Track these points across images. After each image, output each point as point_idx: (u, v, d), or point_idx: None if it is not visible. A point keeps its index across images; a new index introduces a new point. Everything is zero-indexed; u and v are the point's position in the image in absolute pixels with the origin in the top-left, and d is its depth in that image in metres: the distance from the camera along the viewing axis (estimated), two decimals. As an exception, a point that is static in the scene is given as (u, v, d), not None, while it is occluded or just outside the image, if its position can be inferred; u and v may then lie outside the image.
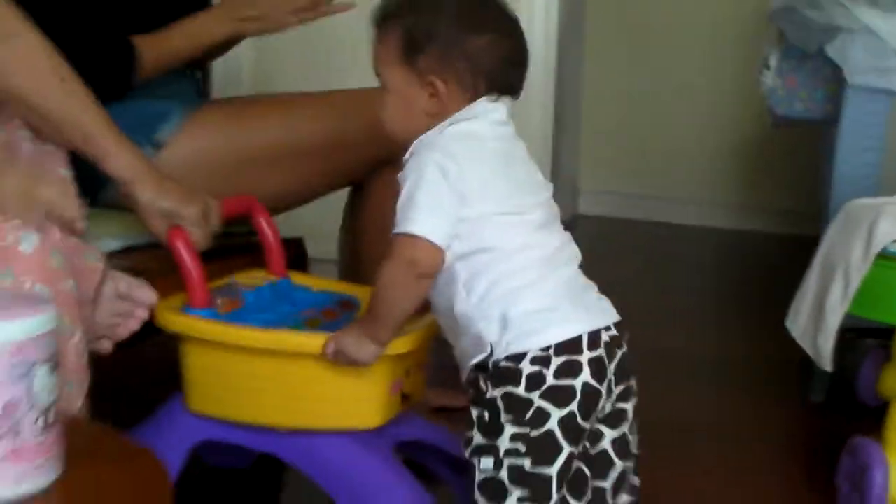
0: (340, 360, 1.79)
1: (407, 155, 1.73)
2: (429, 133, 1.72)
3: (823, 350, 2.47)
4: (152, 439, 1.82)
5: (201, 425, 1.96)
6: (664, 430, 2.56)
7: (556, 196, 2.00)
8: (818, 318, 2.49)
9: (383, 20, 1.77)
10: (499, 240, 1.70)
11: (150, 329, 1.91)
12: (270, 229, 2.12)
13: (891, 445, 2.27)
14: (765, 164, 5.06)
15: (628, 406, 1.78)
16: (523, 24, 1.86)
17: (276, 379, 1.87)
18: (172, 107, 2.32)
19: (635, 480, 1.85)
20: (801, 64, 3.15)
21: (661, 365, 3.10)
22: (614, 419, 1.77)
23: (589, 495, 1.75)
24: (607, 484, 1.79)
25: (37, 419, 1.14)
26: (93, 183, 1.92)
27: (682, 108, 5.53)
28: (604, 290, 1.85)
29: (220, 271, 2.03)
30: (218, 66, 2.99)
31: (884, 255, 2.36)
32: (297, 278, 2.14)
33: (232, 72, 3.14)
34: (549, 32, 4.34)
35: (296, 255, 2.36)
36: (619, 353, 1.74)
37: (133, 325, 1.72)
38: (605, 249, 4.87)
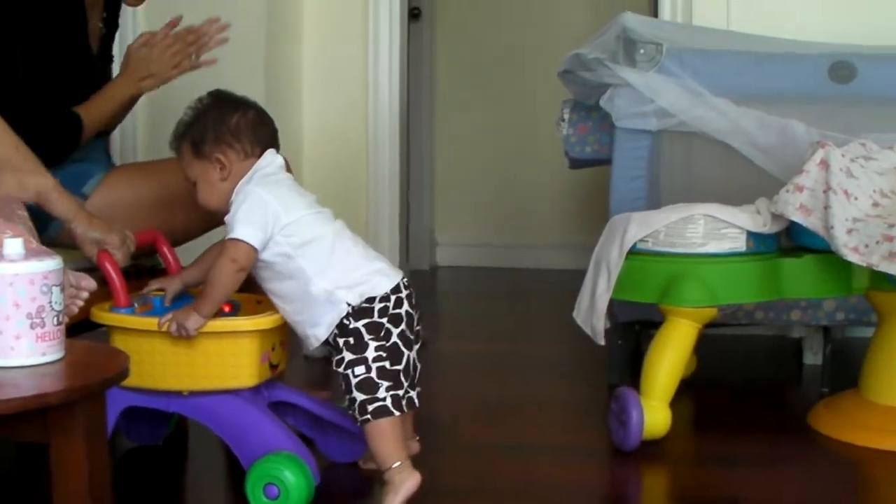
0: (173, 328, 2.45)
1: (232, 197, 2.47)
2: (243, 180, 2.48)
3: (597, 329, 3.03)
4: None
5: (126, 395, 2.56)
6: (504, 404, 3.44)
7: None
8: (591, 305, 3.04)
9: (175, 142, 2.56)
10: (315, 231, 2.46)
11: (90, 325, 2.55)
12: (171, 254, 2.75)
13: (643, 392, 2.92)
14: (603, 205, 5.55)
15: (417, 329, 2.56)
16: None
17: (176, 354, 2.50)
18: (93, 168, 2.95)
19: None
20: (590, 114, 3.70)
21: (512, 363, 3.99)
22: (414, 341, 2.54)
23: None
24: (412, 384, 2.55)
25: (54, 318, 1.85)
26: (42, 222, 2.55)
27: (527, 162, 6.06)
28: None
29: (135, 288, 2.64)
30: (115, 136, 3.63)
31: (632, 252, 2.97)
32: (193, 291, 2.72)
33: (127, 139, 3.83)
34: (394, 95, 4.55)
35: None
36: (413, 295, 2.54)
37: (80, 303, 2.31)
38: (462, 292, 5.61)
